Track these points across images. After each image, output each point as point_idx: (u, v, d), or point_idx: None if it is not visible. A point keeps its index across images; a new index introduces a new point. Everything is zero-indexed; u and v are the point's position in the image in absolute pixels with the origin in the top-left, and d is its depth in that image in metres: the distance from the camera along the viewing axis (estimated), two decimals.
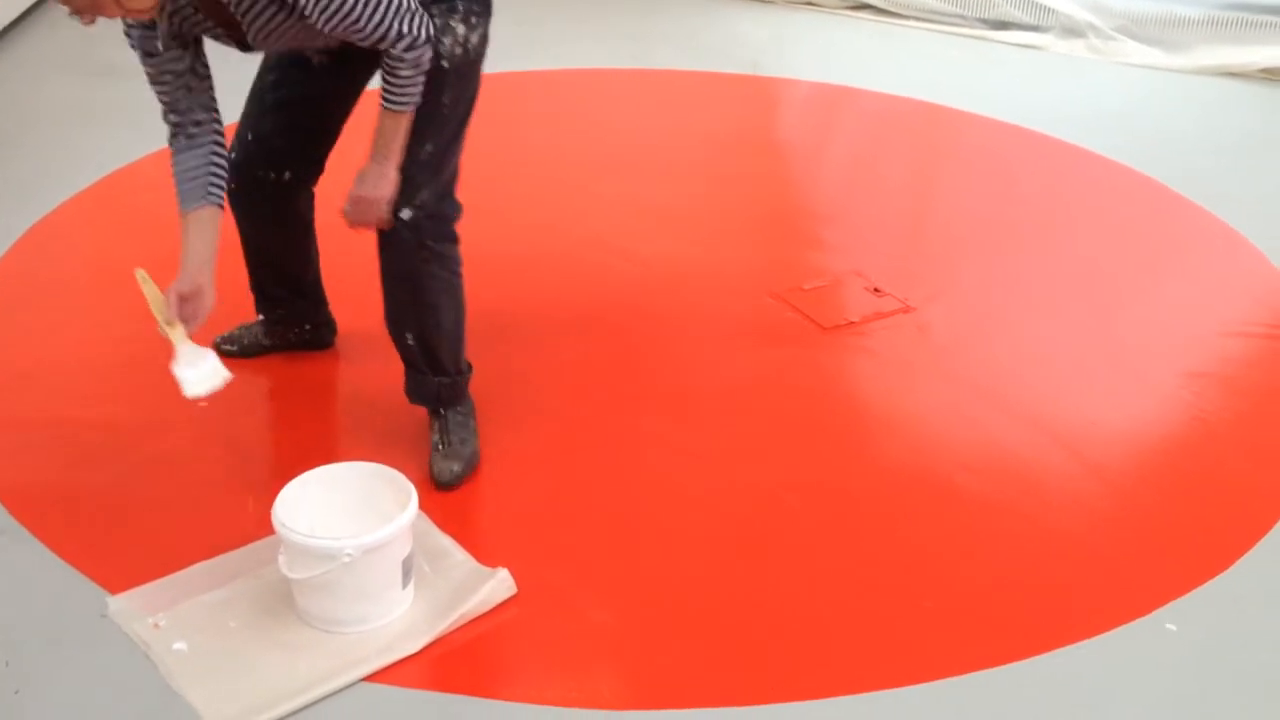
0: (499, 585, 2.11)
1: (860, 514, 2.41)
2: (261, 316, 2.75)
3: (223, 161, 2.24)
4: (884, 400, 2.79)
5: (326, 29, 2.06)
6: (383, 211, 2.26)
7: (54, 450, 2.39)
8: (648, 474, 2.49)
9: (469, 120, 2.36)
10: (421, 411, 2.50)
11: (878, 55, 4.91)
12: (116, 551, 2.22)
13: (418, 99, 2.17)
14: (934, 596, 2.19)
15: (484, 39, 2.30)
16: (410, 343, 2.41)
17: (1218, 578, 2.24)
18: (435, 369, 2.44)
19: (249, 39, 2.16)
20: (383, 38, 2.07)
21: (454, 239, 2.40)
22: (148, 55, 2.16)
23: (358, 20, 2.04)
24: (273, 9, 2.07)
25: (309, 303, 2.74)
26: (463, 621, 2.06)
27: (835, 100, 4.52)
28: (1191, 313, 3.15)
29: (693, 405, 2.71)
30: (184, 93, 2.20)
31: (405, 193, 2.26)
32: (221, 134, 2.26)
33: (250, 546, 2.19)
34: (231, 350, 2.73)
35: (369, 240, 2.34)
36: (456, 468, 2.40)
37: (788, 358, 2.91)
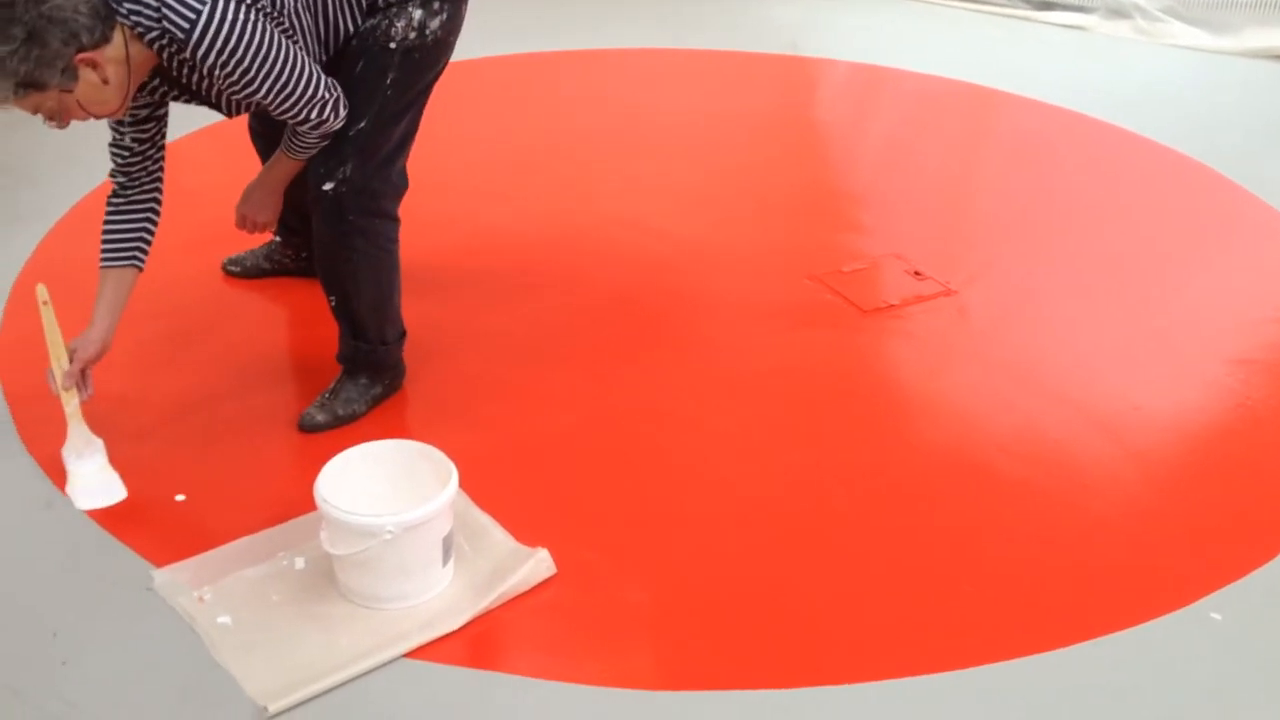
0: (539, 565, 2.12)
1: (898, 497, 2.40)
2: (276, 230, 2.88)
3: (154, 227, 2.38)
4: (923, 383, 2.78)
5: (242, 111, 2.24)
6: (261, 229, 2.54)
7: (97, 425, 2.41)
8: (684, 456, 2.49)
9: (420, 100, 2.40)
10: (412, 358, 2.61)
11: (919, 35, 4.87)
12: (161, 525, 2.24)
13: (315, 151, 2.31)
14: (971, 582, 2.18)
15: (448, 24, 2.33)
16: (333, 304, 2.49)
17: (1263, 567, 2.22)
18: (355, 334, 2.51)
19: (227, 111, 2.30)
20: (292, 119, 2.21)
21: (383, 214, 2.42)
22: (117, 123, 2.28)
23: (270, 103, 2.16)
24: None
25: (295, 234, 2.84)
26: (502, 600, 2.07)
27: (875, 81, 4.48)
28: (1237, 298, 3.11)
29: (730, 387, 2.71)
30: (138, 160, 2.32)
31: (329, 165, 2.31)
32: (159, 201, 2.39)
33: (293, 522, 2.21)
34: (235, 271, 3.02)
35: None
36: (321, 418, 2.48)
37: (826, 340, 2.90)
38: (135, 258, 2.35)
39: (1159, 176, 3.77)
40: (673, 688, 1.95)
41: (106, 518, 2.25)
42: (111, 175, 2.35)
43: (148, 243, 2.36)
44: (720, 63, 4.58)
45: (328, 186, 2.32)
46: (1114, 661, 2.02)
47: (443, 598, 2.07)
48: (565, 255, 3.21)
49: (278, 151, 2.40)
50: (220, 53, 2.06)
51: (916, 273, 3.15)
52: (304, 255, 2.93)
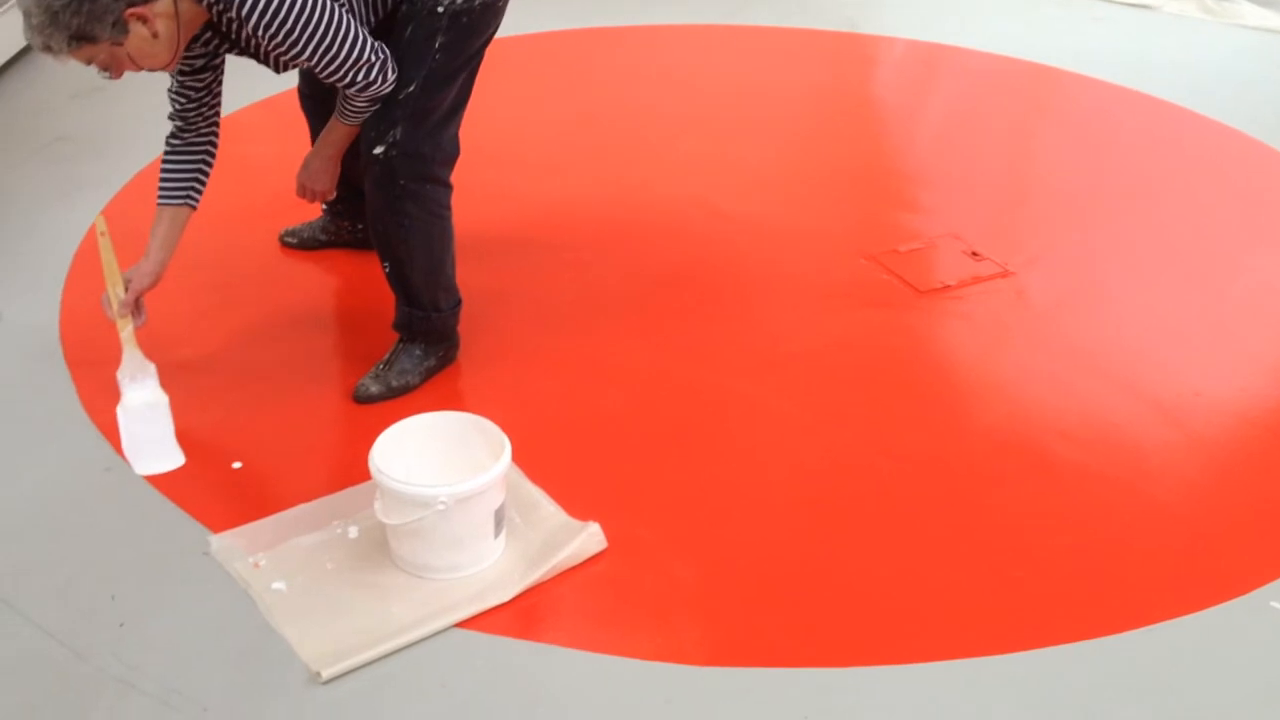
0: (590, 539, 2.12)
1: (952, 480, 2.37)
2: (324, 209, 2.95)
3: (209, 169, 2.46)
4: (980, 366, 2.74)
5: (287, 70, 2.27)
6: (320, 198, 2.60)
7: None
8: (737, 434, 2.48)
9: (471, 66, 2.41)
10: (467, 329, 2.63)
11: (980, 13, 4.80)
12: (218, 491, 2.27)
13: (367, 115, 2.35)
14: (1025, 566, 2.16)
15: None
16: (387, 270, 2.51)
17: None
18: (408, 300, 2.53)
19: (275, 68, 2.35)
20: (339, 81, 2.25)
21: (435, 179, 2.43)
22: (176, 71, 2.34)
23: (315, 66, 2.21)
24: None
25: (349, 203, 2.83)
26: (553, 573, 2.08)
27: (933, 59, 4.43)
28: None
29: (784, 366, 2.69)
30: (195, 107, 2.40)
31: (379, 130, 2.33)
32: (215, 144, 2.47)
33: (347, 491, 2.23)
34: (293, 243, 3.04)
35: None
36: (375, 389, 2.50)
37: (881, 321, 2.87)
38: (190, 197, 2.44)
39: (1224, 158, 3.70)
40: (721, 663, 1.95)
41: (164, 483, 2.28)
42: (170, 118, 2.42)
43: (202, 183, 2.46)
44: (778, 40, 4.53)
45: (378, 150, 2.33)
46: (1171, 649, 1.99)
47: (494, 569, 2.08)
48: (621, 230, 3.21)
49: (332, 118, 2.43)
50: (264, 14, 2.09)
51: (974, 253, 3.11)
52: (359, 227, 2.95)
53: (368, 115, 2.35)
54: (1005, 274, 3.03)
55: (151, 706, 1.83)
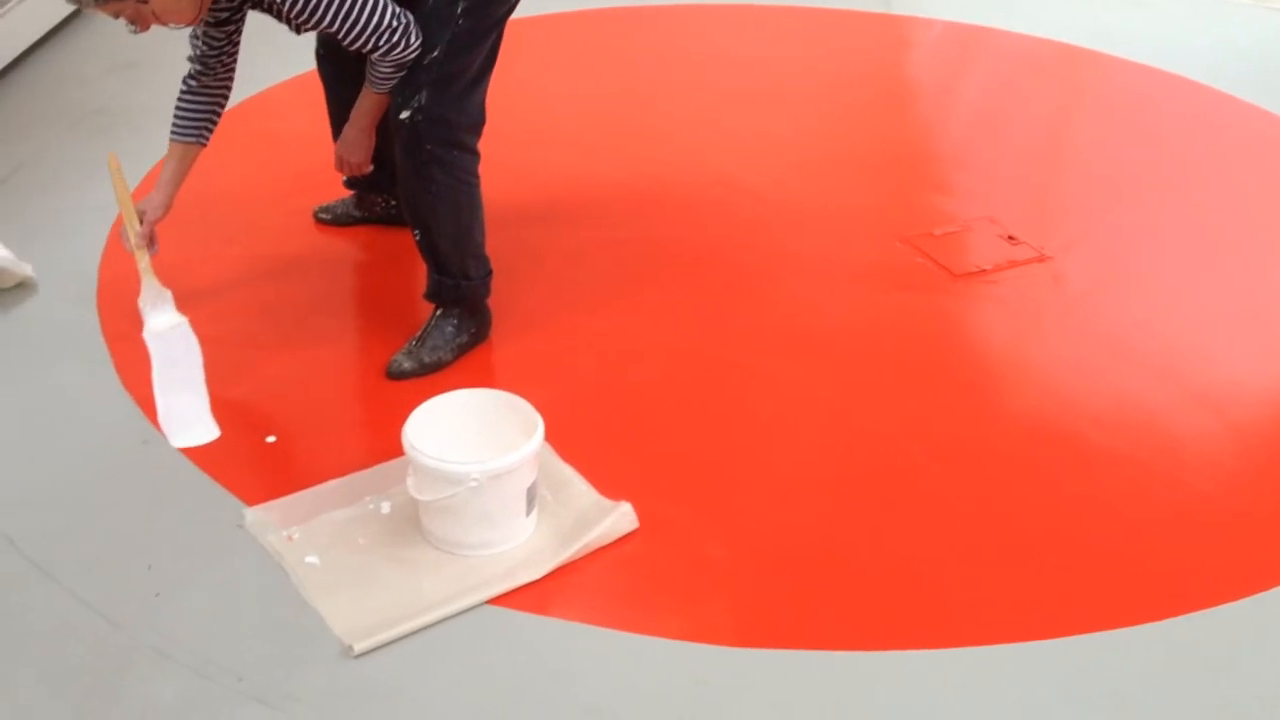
0: (621, 518, 2.13)
1: (985, 465, 2.36)
2: (348, 185, 2.98)
3: (222, 110, 2.55)
4: (1015, 350, 2.72)
5: (306, 31, 2.29)
6: (357, 170, 2.65)
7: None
8: (769, 414, 2.48)
9: (494, 32, 2.42)
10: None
11: None
12: (253, 465, 2.29)
13: (395, 82, 2.38)
14: (1058, 553, 2.15)
15: None
16: (418, 238, 2.53)
17: None
18: (438, 267, 2.54)
19: (295, 29, 2.40)
20: (361, 48, 2.30)
21: (461, 145, 2.44)
22: (207, 22, 2.37)
23: (337, 33, 2.27)
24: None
25: (387, 173, 2.78)
26: (584, 552, 2.08)
27: (970, 40, 4.38)
28: None
29: (816, 348, 2.68)
30: (215, 54, 2.45)
31: (405, 95, 2.36)
32: (229, 90, 2.54)
33: (380, 467, 2.24)
34: (327, 219, 3.06)
35: None
36: (408, 366, 2.51)
37: (916, 304, 2.85)
38: (201, 135, 2.55)
39: (1265, 144, 3.65)
40: (752, 645, 1.95)
41: (200, 456, 2.29)
42: (189, 60, 2.47)
43: (214, 124, 2.56)
44: (813, 19, 4.50)
45: (404, 115, 2.36)
46: (1206, 638, 1.98)
47: (525, 547, 2.09)
48: (654, 209, 3.20)
49: (363, 87, 2.46)
50: None
51: (1010, 237, 3.09)
52: (392, 203, 2.96)
53: (395, 82, 2.37)
54: (1042, 258, 3.01)
55: (187, 676, 1.85)
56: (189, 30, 2.38)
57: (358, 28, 2.24)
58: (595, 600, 2.03)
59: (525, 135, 3.41)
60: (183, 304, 2.57)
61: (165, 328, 2.53)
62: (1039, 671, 1.92)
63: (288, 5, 2.22)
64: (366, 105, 2.51)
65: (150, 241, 2.58)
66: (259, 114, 3.60)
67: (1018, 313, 2.83)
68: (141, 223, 2.55)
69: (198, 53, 2.45)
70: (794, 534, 2.17)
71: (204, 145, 2.56)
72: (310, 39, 2.73)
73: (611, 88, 3.90)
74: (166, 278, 2.57)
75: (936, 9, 4.61)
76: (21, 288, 2.77)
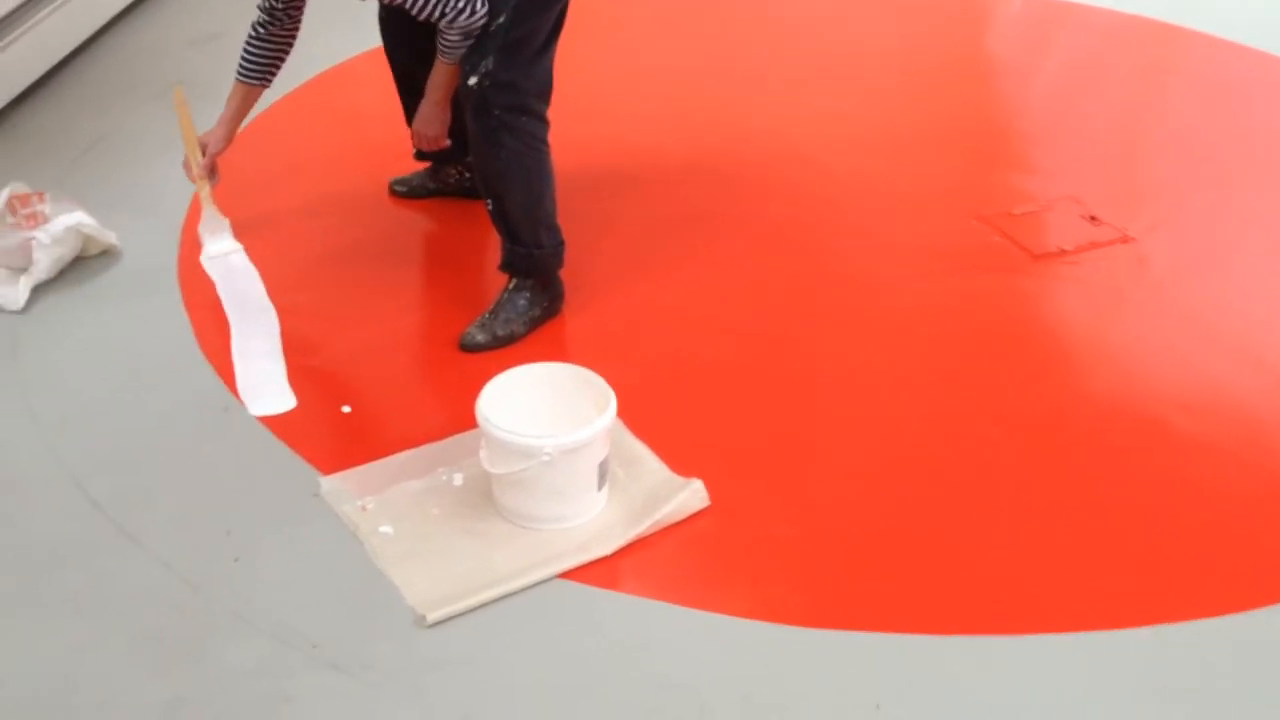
0: (692, 495, 2.12)
1: (1063, 449, 2.32)
2: (419, 158, 2.99)
3: (286, 57, 2.69)
4: (1095, 333, 2.67)
5: None
6: (434, 143, 2.71)
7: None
8: (841, 394, 2.45)
9: (560, 1, 2.42)
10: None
11: None
12: (328, 434, 2.31)
13: (464, 51, 2.41)
14: (1139, 540, 2.11)
15: None
16: (490, 207, 2.54)
17: None
18: (510, 237, 2.54)
19: None
20: (428, 17, 2.34)
21: (529, 111, 2.46)
22: None
23: (404, 2, 2.32)
24: None
25: (459, 144, 2.80)
26: (655, 528, 2.08)
27: (1054, 15, 4.28)
28: None
29: (892, 327, 2.65)
30: (284, 6, 2.56)
31: (473, 61, 2.39)
32: (294, 41, 2.67)
33: (453, 439, 2.25)
34: (402, 191, 3.08)
35: None
36: (480, 338, 2.52)
37: (993, 284, 2.80)
38: (265, 79, 2.70)
39: None
40: (822, 625, 1.94)
41: (277, 424, 2.33)
42: (260, 9, 2.60)
43: (277, 69, 2.70)
44: None
45: (472, 81, 2.38)
46: None
47: (596, 522, 2.09)
48: (725, 184, 3.17)
49: (436, 60, 2.50)
50: None
51: (1092, 218, 3.02)
52: (467, 175, 2.97)
53: (463, 51, 2.39)
54: (1125, 240, 2.94)
55: (263, 641, 1.89)
56: None
57: None
58: (665, 576, 2.03)
59: (596, 108, 3.39)
60: (261, 273, 2.59)
61: (221, 253, 2.78)
62: (1115, 661, 1.89)
63: None
64: (439, 78, 2.54)
65: (211, 172, 2.79)
66: (334, 88, 3.63)
67: (1099, 295, 2.78)
68: (204, 154, 2.76)
69: (267, 4, 2.56)
70: (865, 515, 2.16)
71: (266, 87, 2.73)
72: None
73: (685, 61, 3.87)
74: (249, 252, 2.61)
75: None
76: (106, 255, 2.83)
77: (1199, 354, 2.57)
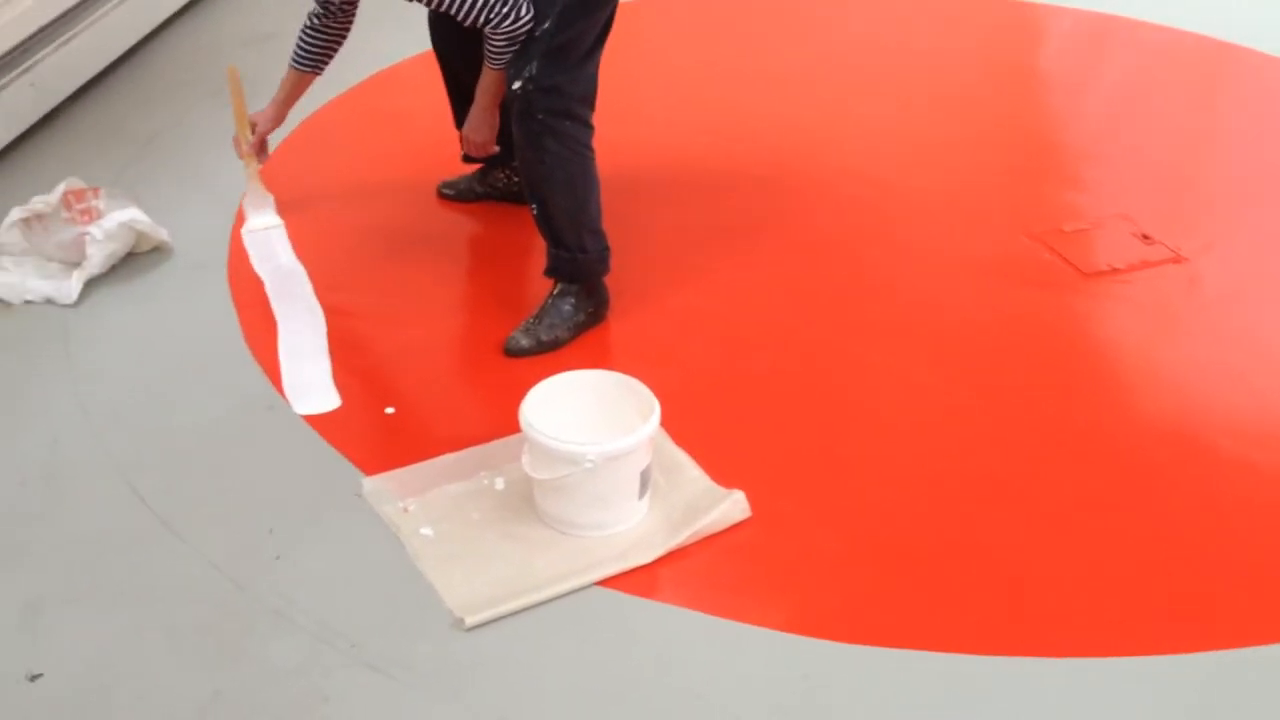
0: (734, 506, 2.11)
1: (1110, 469, 2.29)
2: (467, 161, 2.99)
3: (337, 50, 2.75)
4: (1146, 354, 2.63)
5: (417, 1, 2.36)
6: (483, 149, 2.74)
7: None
8: (886, 409, 2.43)
9: (607, 7, 2.44)
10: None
11: None
12: (371, 435, 2.33)
13: (510, 56, 2.43)
14: (1189, 565, 2.08)
15: None
16: (534, 211, 2.54)
17: None
18: (555, 241, 2.55)
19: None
20: (473, 22, 2.37)
21: (573, 116, 2.46)
22: None
23: (449, 8, 2.36)
24: None
25: (508, 149, 2.79)
26: (695, 538, 2.07)
27: (1110, 30, 4.24)
28: None
29: (938, 342, 2.63)
30: (338, 1, 2.59)
31: (518, 66, 2.41)
32: (349, 29, 2.72)
33: (495, 443, 2.26)
34: (450, 194, 3.09)
35: None
36: (525, 343, 2.52)
37: (1042, 301, 2.77)
38: (318, 67, 2.78)
39: None
40: (859, 641, 1.93)
41: (322, 423, 2.34)
42: (317, 1, 2.65)
43: (329, 59, 2.77)
44: (946, 5, 4.39)
45: (516, 85, 2.40)
46: None
47: (637, 530, 2.09)
48: (772, 193, 3.16)
49: (483, 68, 2.52)
50: None
51: (1145, 236, 2.98)
52: (515, 180, 2.98)
53: (510, 56, 2.42)
54: (1178, 259, 2.90)
55: (303, 639, 1.90)
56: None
57: (467, 1, 2.31)
58: (703, 586, 2.02)
59: (641, 113, 3.39)
60: (310, 273, 2.61)
61: (262, 226, 2.90)
62: (1155, 687, 1.86)
63: None
64: (486, 83, 2.57)
65: (260, 150, 2.90)
66: (384, 91, 3.65)
67: (1150, 315, 2.74)
68: (253, 132, 2.85)
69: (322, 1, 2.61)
70: (906, 531, 2.14)
71: (318, 75, 2.80)
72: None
73: (731, 67, 3.86)
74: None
75: None
76: (157, 251, 2.86)
77: (1250, 377, 2.53)
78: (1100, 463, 2.31)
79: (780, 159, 3.33)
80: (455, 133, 2.84)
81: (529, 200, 2.55)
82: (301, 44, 2.73)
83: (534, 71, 2.38)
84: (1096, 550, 2.10)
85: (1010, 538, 2.13)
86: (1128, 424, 2.42)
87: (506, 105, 2.49)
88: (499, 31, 2.38)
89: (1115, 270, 2.86)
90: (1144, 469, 2.29)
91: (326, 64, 2.78)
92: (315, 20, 2.68)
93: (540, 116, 2.41)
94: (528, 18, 2.37)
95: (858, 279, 2.84)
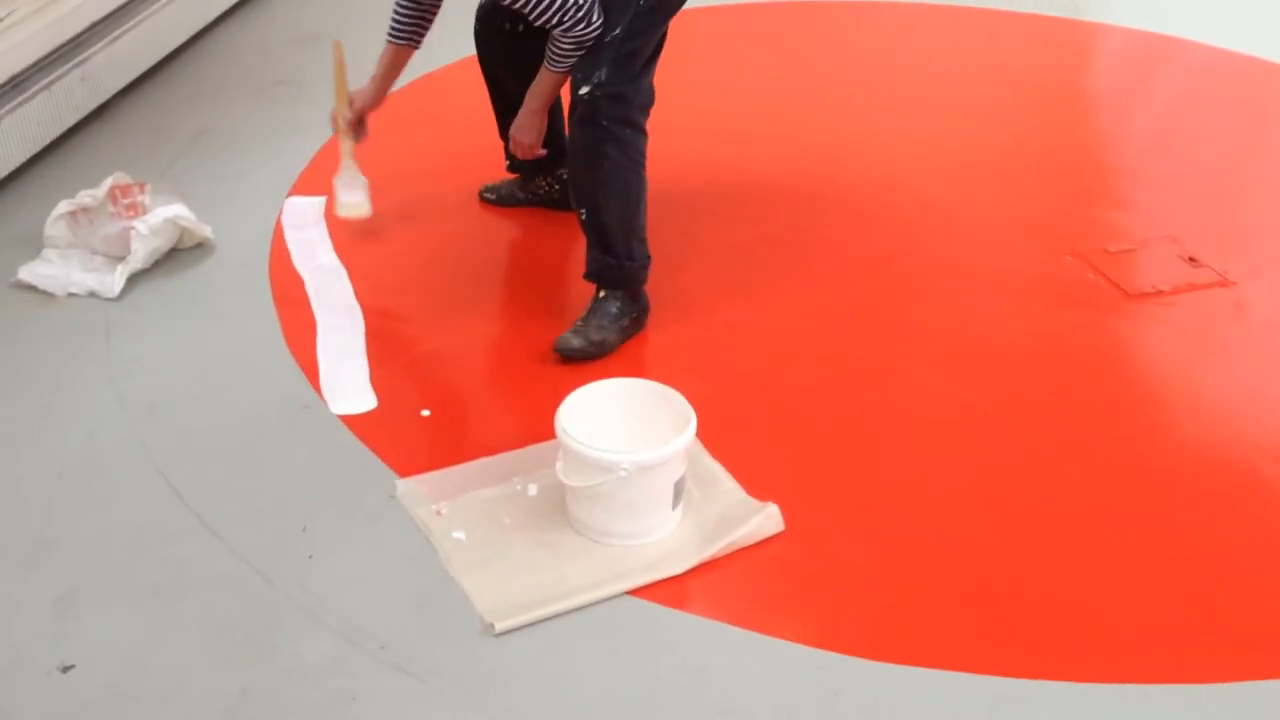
0: (767, 519, 2.10)
1: (1150, 495, 2.26)
2: (511, 169, 3.03)
3: (432, 21, 2.71)
4: (1189, 378, 2.59)
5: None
6: (530, 151, 2.68)
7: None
8: (924, 426, 2.41)
9: (669, 16, 2.46)
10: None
11: (1214, 5, 4.51)
12: (406, 437, 2.33)
13: (572, 63, 2.42)
14: (1226, 593, 2.04)
15: None
16: (583, 217, 2.53)
17: None
18: (604, 248, 2.54)
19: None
20: (546, 22, 2.34)
21: (633, 123, 2.47)
22: None
23: (524, 6, 2.33)
24: None
25: (553, 154, 2.83)
26: (728, 550, 2.06)
27: (1159, 50, 4.19)
28: None
29: (977, 360, 2.60)
30: None
31: (585, 71, 2.40)
32: (439, 9, 2.68)
33: (529, 449, 2.25)
34: (491, 199, 3.09)
35: None
36: (576, 343, 2.51)
37: (1085, 322, 2.74)
38: (413, 39, 2.74)
39: None
40: (890, 659, 1.91)
41: (357, 424, 2.35)
42: None
43: (425, 31, 2.74)
44: (997, 22, 4.37)
45: (584, 91, 2.40)
46: None
47: (669, 540, 2.08)
48: (815, 207, 3.15)
49: (540, 69, 2.51)
50: None
51: (1191, 259, 2.94)
52: (557, 186, 2.98)
53: (573, 61, 2.41)
54: (1224, 283, 2.86)
55: (333, 639, 1.90)
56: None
57: (545, 2, 2.30)
58: (735, 599, 2.01)
59: (689, 126, 3.39)
60: (356, 276, 2.61)
61: (352, 203, 2.86)
62: (1200, 715, 1.82)
63: None
64: (542, 86, 2.56)
65: (358, 126, 2.83)
66: (427, 94, 3.67)
67: (1194, 338, 2.70)
68: (351, 109, 2.79)
69: None
70: (942, 550, 2.11)
71: (415, 48, 2.75)
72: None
73: (779, 82, 3.85)
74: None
75: (1128, 17, 4.42)
76: (200, 248, 2.88)
77: None
78: (1139, 486, 2.27)
79: (825, 173, 3.32)
80: (497, 137, 2.84)
81: (579, 205, 2.54)
82: (395, 17, 2.70)
83: (603, 78, 2.39)
84: (1131, 574, 2.07)
85: (1046, 560, 2.10)
86: (1168, 448, 2.38)
87: (554, 116, 2.49)
88: (570, 35, 2.37)
89: (1160, 292, 2.82)
90: (1184, 494, 2.26)
91: (422, 36, 2.74)
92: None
93: (604, 123, 2.42)
94: (599, 22, 2.37)
95: (900, 294, 2.82)
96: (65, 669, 1.85)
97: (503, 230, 3.03)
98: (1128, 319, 2.76)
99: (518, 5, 2.34)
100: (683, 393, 2.14)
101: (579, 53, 2.40)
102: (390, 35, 2.72)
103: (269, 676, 1.84)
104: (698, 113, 3.54)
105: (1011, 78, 3.95)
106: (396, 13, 2.70)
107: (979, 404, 2.47)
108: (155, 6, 3.69)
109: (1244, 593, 2.05)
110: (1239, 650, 1.94)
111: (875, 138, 3.51)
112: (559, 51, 2.42)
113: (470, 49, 2.90)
